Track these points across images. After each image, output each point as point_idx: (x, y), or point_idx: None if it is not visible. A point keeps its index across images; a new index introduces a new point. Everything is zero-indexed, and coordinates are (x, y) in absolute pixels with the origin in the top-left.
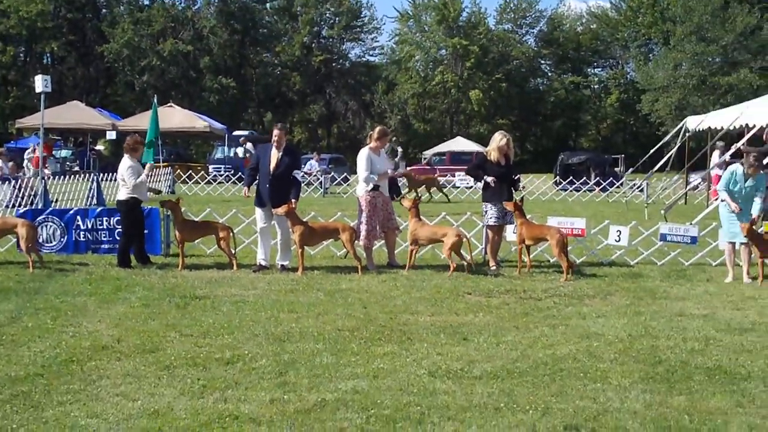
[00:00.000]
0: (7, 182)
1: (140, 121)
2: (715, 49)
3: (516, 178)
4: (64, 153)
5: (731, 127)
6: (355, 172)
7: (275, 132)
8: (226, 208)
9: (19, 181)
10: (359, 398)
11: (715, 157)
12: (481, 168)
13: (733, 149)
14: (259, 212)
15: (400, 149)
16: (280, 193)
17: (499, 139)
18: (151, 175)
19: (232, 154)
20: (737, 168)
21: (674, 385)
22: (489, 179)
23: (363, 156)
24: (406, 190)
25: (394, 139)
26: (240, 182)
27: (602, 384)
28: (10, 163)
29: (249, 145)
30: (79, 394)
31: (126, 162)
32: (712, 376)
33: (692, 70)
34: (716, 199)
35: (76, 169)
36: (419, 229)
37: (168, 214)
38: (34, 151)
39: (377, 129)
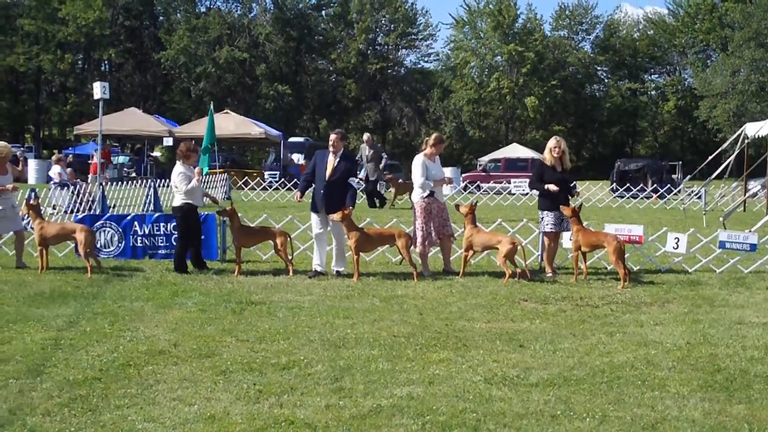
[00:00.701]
0: (65, 188)
1: (196, 127)
2: None
3: (572, 185)
4: (121, 159)
5: None
6: (410, 179)
7: (332, 138)
8: (282, 214)
9: (78, 186)
10: (415, 404)
11: None
12: (540, 178)
13: None
14: (314, 218)
15: (385, 155)
16: (335, 199)
17: (552, 144)
18: (202, 180)
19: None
20: None
21: (733, 394)
22: (552, 187)
23: (418, 162)
24: (391, 195)
25: (379, 145)
26: (294, 188)
27: (660, 392)
28: (69, 169)
29: (296, 156)
30: (136, 399)
31: (178, 168)
32: None
33: (751, 76)
34: None
35: (134, 175)
36: (474, 235)
37: (225, 220)
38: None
39: (433, 136)
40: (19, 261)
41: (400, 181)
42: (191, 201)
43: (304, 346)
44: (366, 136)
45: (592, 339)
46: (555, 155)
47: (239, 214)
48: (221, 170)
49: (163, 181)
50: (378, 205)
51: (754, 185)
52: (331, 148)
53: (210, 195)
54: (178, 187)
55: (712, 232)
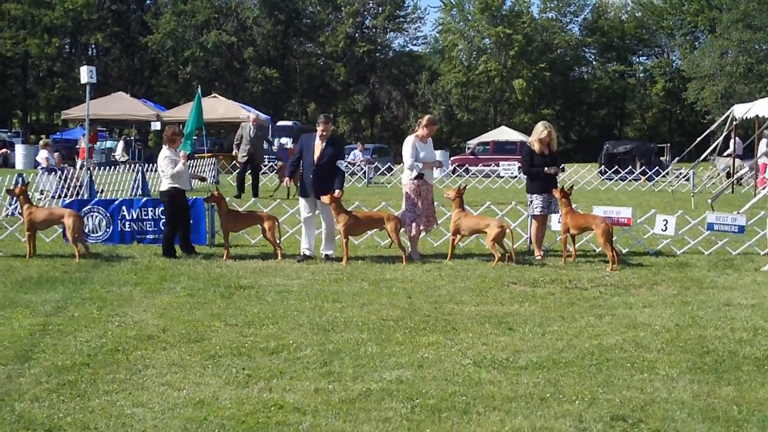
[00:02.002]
0: (53, 173)
1: (184, 111)
2: (762, 36)
3: (561, 167)
4: (108, 144)
5: None
6: (399, 162)
7: (320, 123)
8: (270, 198)
9: (65, 171)
10: (404, 388)
11: (763, 146)
12: (530, 163)
13: None
14: (302, 202)
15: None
16: (324, 183)
17: (540, 130)
18: (188, 165)
19: (276, 145)
20: None
21: (722, 376)
22: (552, 170)
23: (408, 144)
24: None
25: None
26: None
27: (649, 374)
28: (56, 154)
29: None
30: (125, 384)
31: (163, 153)
32: (761, 366)
33: (739, 57)
34: (763, 188)
35: (123, 159)
36: (462, 219)
37: (213, 205)
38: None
39: (426, 117)
40: None
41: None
42: (178, 185)
43: (293, 330)
44: (252, 114)
45: (581, 322)
46: (544, 143)
47: (227, 199)
48: (209, 154)
49: (151, 165)
50: (237, 194)
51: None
52: (323, 133)
53: (198, 175)
54: (164, 172)
55: (701, 214)
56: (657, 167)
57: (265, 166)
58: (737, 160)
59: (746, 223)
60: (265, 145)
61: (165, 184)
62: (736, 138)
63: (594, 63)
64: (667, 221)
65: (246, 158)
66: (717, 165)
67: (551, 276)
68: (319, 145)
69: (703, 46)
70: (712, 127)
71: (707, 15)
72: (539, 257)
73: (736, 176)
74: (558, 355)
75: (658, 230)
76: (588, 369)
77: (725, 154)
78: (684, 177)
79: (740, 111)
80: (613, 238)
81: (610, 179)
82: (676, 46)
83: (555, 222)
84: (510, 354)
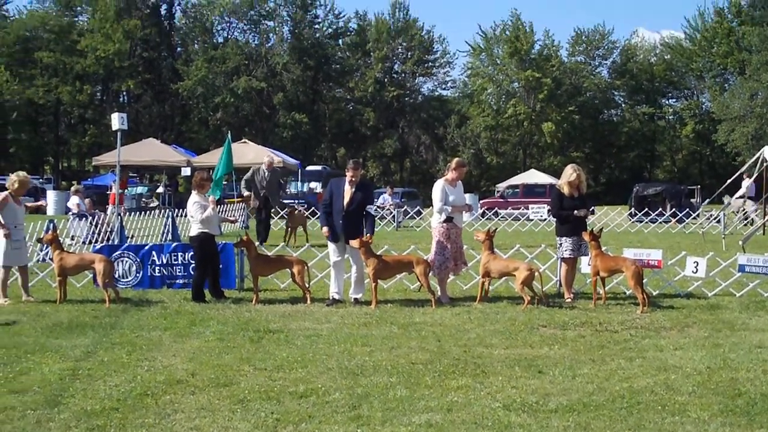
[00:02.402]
0: (84, 219)
1: (214, 157)
2: None
3: (591, 210)
4: (139, 189)
5: None
6: (428, 206)
7: (350, 168)
8: (300, 242)
9: (96, 217)
10: None
11: None
12: (560, 206)
13: None
14: (332, 247)
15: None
16: (354, 228)
17: (569, 173)
18: (218, 209)
19: (305, 189)
20: None
21: (754, 418)
22: (582, 212)
23: (438, 187)
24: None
25: (281, 167)
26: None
27: (681, 417)
28: (87, 200)
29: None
30: (154, 428)
31: (193, 198)
32: None
33: None
34: None
35: (152, 205)
36: (491, 261)
37: (242, 250)
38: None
39: (455, 160)
40: (26, 293)
41: (297, 212)
42: (207, 230)
43: (322, 374)
44: (267, 158)
45: (612, 364)
46: (574, 186)
47: (256, 243)
48: (239, 199)
49: (181, 210)
50: (261, 239)
51: None
52: (352, 179)
53: (228, 218)
54: (194, 217)
55: (732, 256)
56: (687, 209)
57: (281, 210)
58: (749, 201)
59: None
60: (281, 191)
61: (194, 229)
62: (749, 180)
63: (623, 105)
64: (697, 263)
65: (259, 203)
66: (731, 204)
67: (581, 319)
68: (348, 191)
69: (732, 87)
70: (743, 169)
71: (737, 57)
72: (569, 300)
73: (765, 220)
74: (588, 398)
75: (689, 272)
76: (619, 412)
77: (737, 196)
78: (714, 219)
79: None
80: (644, 281)
81: (640, 221)
82: (705, 88)
83: (585, 264)
84: (540, 397)
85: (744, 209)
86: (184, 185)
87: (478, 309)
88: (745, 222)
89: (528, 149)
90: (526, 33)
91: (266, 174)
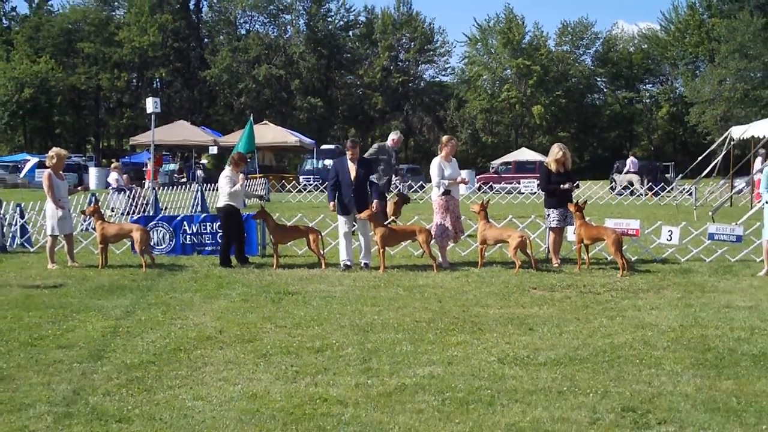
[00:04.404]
0: (122, 192)
1: (238, 137)
2: (757, 65)
3: (575, 184)
4: (172, 167)
5: None
6: (430, 181)
7: (349, 147)
8: (315, 214)
9: (133, 191)
10: (435, 383)
11: (758, 164)
12: (548, 181)
13: None
14: (341, 219)
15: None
16: (362, 198)
17: (556, 151)
18: (245, 184)
19: (320, 166)
20: None
21: (722, 371)
22: (566, 187)
23: (435, 164)
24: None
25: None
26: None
27: (656, 369)
28: (125, 176)
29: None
30: (187, 379)
31: (225, 172)
32: (758, 362)
33: (736, 84)
34: (759, 202)
35: (183, 180)
36: (487, 230)
37: (262, 220)
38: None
39: (444, 137)
40: (71, 259)
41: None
42: (233, 203)
43: (336, 331)
44: (395, 134)
45: (595, 322)
46: (560, 163)
47: (276, 214)
48: (260, 175)
49: (208, 185)
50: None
51: (740, 182)
52: (353, 156)
53: (255, 194)
54: (222, 189)
55: (702, 226)
56: (662, 183)
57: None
58: (634, 176)
59: (744, 233)
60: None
61: (221, 201)
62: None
63: (605, 90)
64: (671, 232)
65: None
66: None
67: (567, 282)
68: (352, 167)
69: (703, 74)
70: (713, 147)
71: (707, 46)
72: (556, 265)
73: (734, 191)
74: (574, 352)
75: (664, 240)
76: (601, 365)
77: (624, 171)
78: (687, 192)
79: (737, 132)
80: (623, 248)
81: (620, 195)
82: (679, 75)
83: (570, 233)
84: (530, 352)
85: (632, 182)
86: (212, 162)
87: (476, 273)
88: (632, 193)
89: (519, 129)
90: (517, 25)
91: (393, 153)
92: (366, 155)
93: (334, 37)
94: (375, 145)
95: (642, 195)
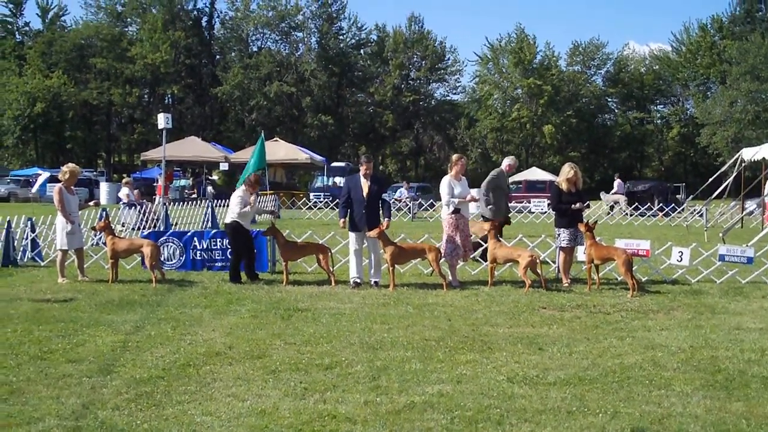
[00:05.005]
0: (133, 208)
1: (249, 154)
2: None
3: (586, 204)
4: (182, 182)
5: None
6: (440, 199)
7: (363, 163)
8: (325, 231)
9: (144, 206)
10: (444, 401)
11: None
12: (559, 200)
13: None
14: (352, 236)
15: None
16: (374, 215)
17: (567, 171)
18: (256, 200)
19: (330, 183)
20: None
21: (732, 392)
22: (578, 206)
23: (444, 183)
24: None
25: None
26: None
27: (666, 390)
28: (136, 191)
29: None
30: (196, 395)
31: (239, 191)
32: None
33: (747, 106)
34: None
35: (194, 196)
36: (497, 249)
37: (271, 237)
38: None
39: (454, 156)
40: (82, 274)
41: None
42: (240, 221)
43: (345, 349)
44: (510, 160)
45: (605, 343)
46: (571, 182)
47: (287, 231)
48: (271, 191)
49: (219, 201)
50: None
51: (751, 204)
52: (366, 172)
53: (266, 210)
54: (232, 208)
55: (713, 247)
56: (673, 204)
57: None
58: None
59: (754, 254)
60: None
61: (229, 217)
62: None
63: (616, 111)
64: (682, 253)
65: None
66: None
67: (577, 301)
68: (365, 183)
69: (714, 95)
70: (723, 168)
71: (718, 68)
72: (566, 285)
73: (745, 212)
74: (583, 372)
75: (674, 261)
76: (610, 385)
77: (611, 192)
78: (698, 213)
79: (748, 154)
80: (633, 268)
81: (631, 215)
82: (690, 96)
83: (580, 253)
84: (540, 371)
85: (618, 202)
86: (222, 179)
87: (485, 292)
88: (620, 212)
89: (530, 149)
90: (529, 44)
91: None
92: (489, 179)
93: (345, 55)
94: (495, 171)
95: (628, 215)
